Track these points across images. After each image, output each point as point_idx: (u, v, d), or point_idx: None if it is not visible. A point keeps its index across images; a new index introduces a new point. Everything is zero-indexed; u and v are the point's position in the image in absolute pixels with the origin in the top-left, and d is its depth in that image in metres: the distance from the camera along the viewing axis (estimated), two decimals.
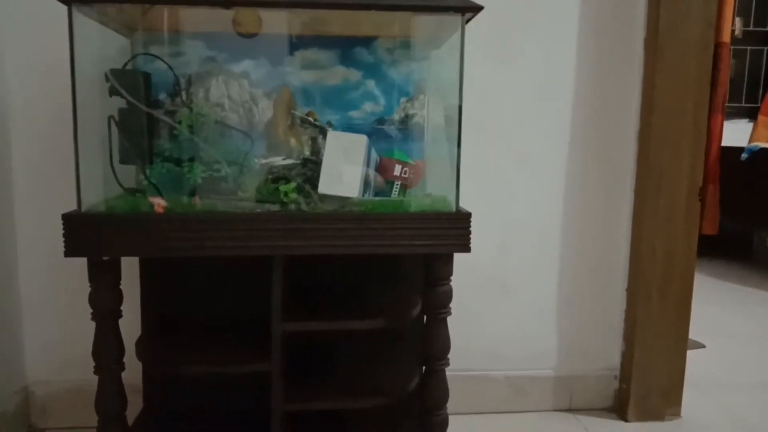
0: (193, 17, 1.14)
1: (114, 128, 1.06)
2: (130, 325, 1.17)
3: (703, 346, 1.93)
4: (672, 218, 1.39)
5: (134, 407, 1.24)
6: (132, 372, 1.21)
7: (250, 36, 1.15)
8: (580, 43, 1.39)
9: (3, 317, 1.27)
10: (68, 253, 0.94)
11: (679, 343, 1.45)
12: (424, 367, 1.09)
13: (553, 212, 1.43)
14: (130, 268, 1.23)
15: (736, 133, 3.67)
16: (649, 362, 1.43)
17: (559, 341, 1.46)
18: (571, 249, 1.44)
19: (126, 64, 1.09)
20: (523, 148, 1.41)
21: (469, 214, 1.00)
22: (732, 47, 2.13)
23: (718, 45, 1.38)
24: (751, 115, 4.00)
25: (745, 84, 4.01)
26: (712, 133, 2.54)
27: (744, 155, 3.10)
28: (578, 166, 1.42)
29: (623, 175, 1.43)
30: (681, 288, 1.42)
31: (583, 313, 1.46)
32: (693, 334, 1.58)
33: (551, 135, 1.41)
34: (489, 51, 1.36)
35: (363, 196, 1.04)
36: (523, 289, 1.44)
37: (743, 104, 3.99)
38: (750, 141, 3.76)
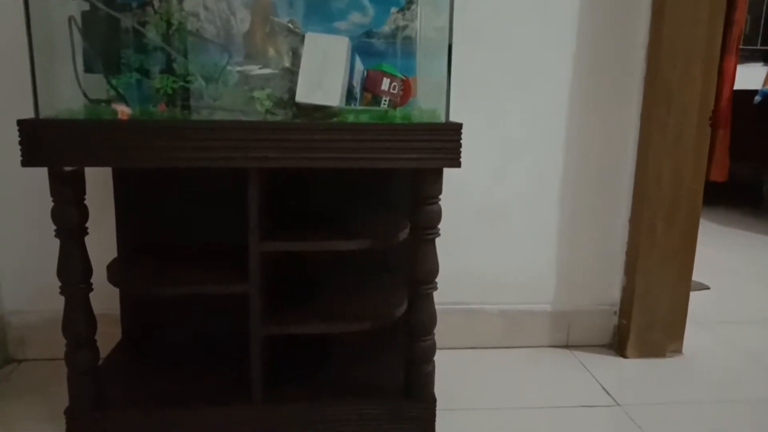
0: None
1: (77, 34, 0.97)
2: (105, 253, 1.12)
3: (708, 288, 1.87)
4: (681, 140, 1.31)
5: (114, 338, 1.21)
6: (111, 301, 1.17)
7: None
8: None
9: None
10: (25, 162, 0.87)
11: (683, 274, 1.38)
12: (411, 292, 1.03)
13: (552, 133, 1.34)
14: (104, 192, 1.17)
15: (749, 78, 3.55)
16: (650, 295, 1.37)
17: (558, 274, 1.40)
18: (572, 174, 1.36)
19: None
20: (521, 62, 1.31)
21: (459, 125, 0.92)
22: None
23: None
24: (767, 58, 3.86)
25: (761, 26, 3.85)
26: (725, 75, 2.43)
27: (757, 98, 2.98)
28: (582, 81, 1.32)
29: (630, 92, 1.34)
30: (688, 215, 1.35)
31: (583, 243, 1.39)
32: (697, 276, 1.52)
33: (552, 46, 1.31)
34: None
35: (346, 106, 0.96)
36: (519, 218, 1.37)
37: (758, 47, 3.84)
38: (764, 84, 3.63)
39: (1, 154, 1.21)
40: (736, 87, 2.54)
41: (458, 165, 0.94)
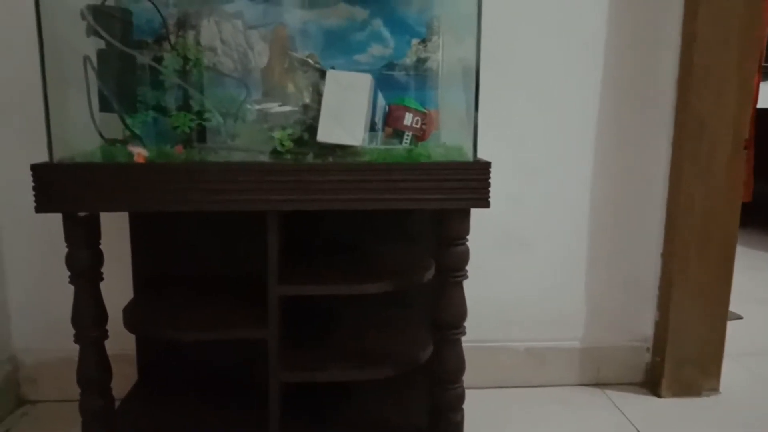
0: None
1: (92, 73, 0.95)
2: (121, 291, 1.08)
3: (740, 317, 1.80)
4: (713, 169, 1.26)
5: (130, 379, 1.17)
6: (126, 342, 1.14)
7: None
8: None
9: None
10: (39, 208, 0.85)
11: (719, 308, 1.33)
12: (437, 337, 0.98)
13: (578, 161, 1.29)
14: (121, 227, 1.14)
15: None
16: (685, 330, 1.31)
17: (587, 309, 1.34)
18: (600, 203, 1.31)
19: (105, 0, 0.97)
20: (546, 88, 1.26)
21: (488, 164, 0.88)
22: None
23: None
24: None
25: None
26: None
27: None
28: (609, 108, 1.28)
29: (660, 120, 1.29)
30: (723, 246, 1.29)
31: (613, 276, 1.34)
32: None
33: (577, 73, 1.27)
34: None
35: (369, 144, 0.92)
36: (545, 248, 1.32)
37: None
38: None
39: (12, 187, 1.20)
40: (759, 105, 2.48)
41: (487, 205, 0.90)
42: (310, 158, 0.90)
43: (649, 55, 1.26)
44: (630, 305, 1.35)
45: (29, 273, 1.24)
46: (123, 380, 1.11)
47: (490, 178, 0.89)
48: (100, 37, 0.94)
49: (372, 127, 0.96)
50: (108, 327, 0.94)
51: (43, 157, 0.87)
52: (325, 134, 0.89)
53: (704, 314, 1.32)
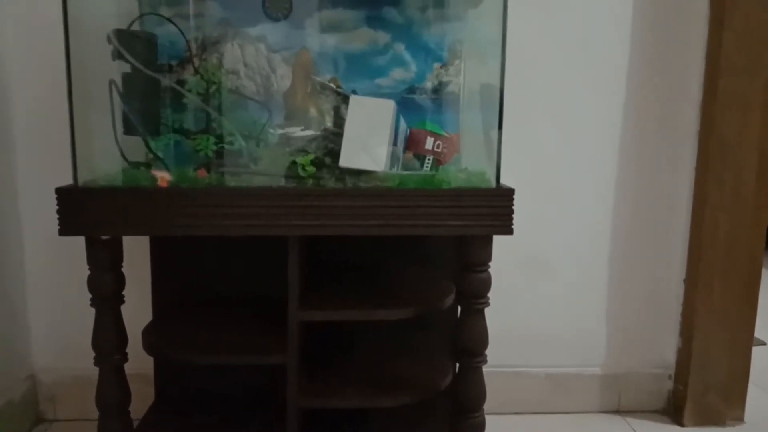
0: None
1: (117, 95, 0.96)
2: (140, 310, 1.08)
3: (764, 343, 1.77)
4: (738, 194, 1.24)
5: (147, 399, 1.17)
6: (144, 361, 1.13)
7: (280, 18, 1.04)
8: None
9: (7, 300, 1.19)
10: (63, 231, 0.85)
11: (743, 334, 1.30)
12: (458, 364, 0.97)
13: (601, 185, 1.28)
14: (141, 247, 1.14)
15: None
16: (708, 357, 1.29)
17: (608, 334, 1.32)
18: (622, 227, 1.30)
19: (131, 24, 0.99)
20: (569, 111, 1.26)
21: (511, 191, 0.88)
22: None
23: None
24: None
25: None
26: None
27: None
28: (632, 132, 1.27)
29: (683, 144, 1.27)
30: (748, 272, 1.27)
31: (635, 302, 1.32)
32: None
33: (602, 97, 1.26)
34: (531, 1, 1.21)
35: (391, 170, 0.92)
36: (566, 272, 1.30)
37: None
38: None
39: (36, 208, 1.21)
40: None
41: (510, 232, 0.89)
42: (332, 183, 0.90)
43: (672, 78, 1.25)
44: (652, 331, 1.33)
45: (51, 292, 1.24)
46: (140, 400, 1.11)
47: (513, 204, 0.88)
48: (126, 60, 0.95)
49: (394, 152, 0.96)
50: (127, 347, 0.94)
51: (66, 180, 0.87)
52: (348, 159, 0.89)
53: (728, 341, 1.29)
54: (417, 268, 1.15)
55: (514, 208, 0.88)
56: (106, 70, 0.95)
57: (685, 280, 1.31)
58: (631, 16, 1.23)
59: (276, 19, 1.05)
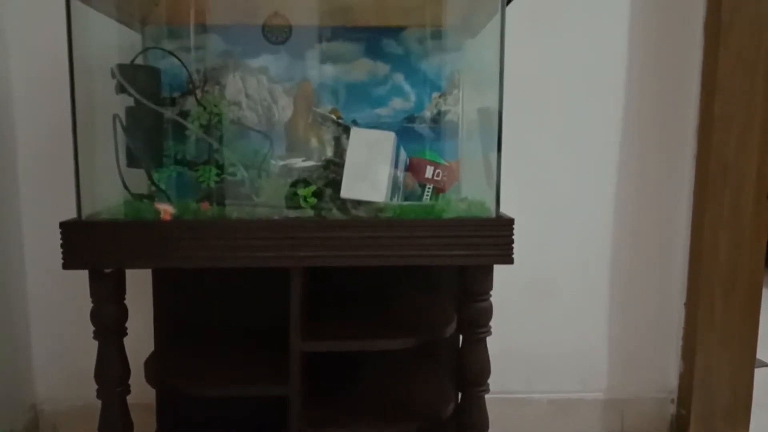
0: (207, 8, 1.05)
1: (120, 130, 0.97)
2: (142, 340, 1.08)
3: (767, 365, 1.76)
4: (738, 217, 1.24)
5: (149, 428, 1.16)
6: (145, 390, 1.13)
7: (280, 41, 1.06)
8: (632, 18, 1.25)
9: (10, 331, 1.19)
10: (67, 264, 0.86)
11: (745, 357, 1.30)
12: (460, 393, 0.97)
13: (601, 207, 1.29)
14: (142, 277, 1.14)
15: None
16: (711, 381, 1.29)
17: (610, 359, 1.32)
18: (622, 250, 1.30)
19: (134, 59, 1.00)
20: (569, 133, 1.27)
21: (511, 221, 0.88)
22: None
23: None
24: None
25: None
26: None
27: None
28: (631, 155, 1.28)
29: (682, 165, 1.29)
30: (748, 295, 1.27)
31: (636, 326, 1.32)
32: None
33: (600, 119, 1.27)
34: (530, 26, 1.23)
35: (391, 200, 0.93)
36: (567, 296, 1.31)
37: None
38: None
39: (39, 240, 1.22)
40: None
41: (511, 261, 0.89)
42: (333, 213, 0.91)
43: (670, 100, 1.27)
44: (654, 355, 1.33)
45: (53, 323, 1.25)
46: (142, 430, 1.10)
47: (513, 234, 0.89)
48: (130, 94, 0.96)
49: (394, 181, 0.97)
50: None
51: (69, 208, 0.88)
52: (349, 190, 0.90)
53: (730, 364, 1.29)
54: (419, 294, 1.15)
55: (514, 237, 0.89)
56: (110, 103, 0.96)
57: (685, 304, 1.31)
58: (628, 40, 1.25)
59: (276, 43, 1.07)
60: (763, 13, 1.19)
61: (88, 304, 0.89)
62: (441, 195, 1.00)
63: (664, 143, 1.28)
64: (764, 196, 1.26)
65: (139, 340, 1.06)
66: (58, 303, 1.23)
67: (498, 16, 0.89)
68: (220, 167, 1.00)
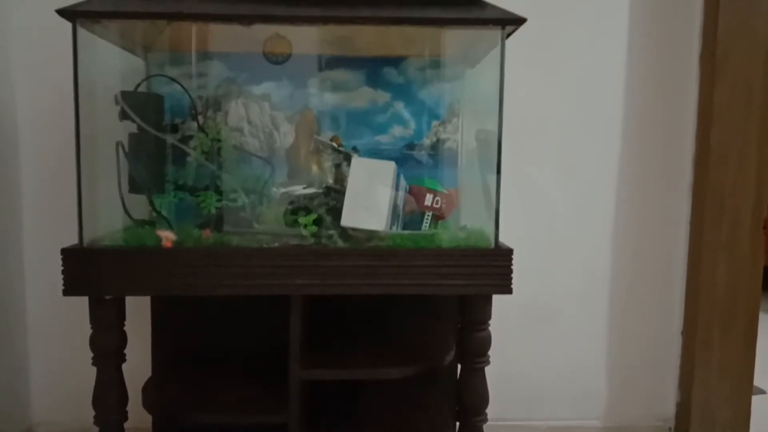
0: (210, 35, 1.07)
1: (123, 156, 0.98)
2: (139, 365, 1.08)
3: (764, 392, 1.76)
4: (735, 248, 1.25)
5: None
6: (142, 416, 1.12)
7: (280, 61, 1.07)
8: (630, 49, 1.27)
9: (8, 352, 1.19)
10: (67, 291, 0.86)
11: (743, 385, 1.30)
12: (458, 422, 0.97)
13: (601, 234, 1.30)
14: (141, 302, 1.14)
15: None
16: (708, 409, 1.28)
17: (608, 387, 1.32)
18: (621, 279, 1.31)
19: (138, 86, 1.01)
20: (568, 164, 1.29)
21: (510, 251, 0.89)
22: None
23: None
24: None
25: None
26: None
27: None
28: (629, 184, 1.29)
29: (680, 194, 1.30)
30: (745, 324, 1.28)
31: (634, 355, 1.32)
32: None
33: (599, 149, 1.29)
34: (530, 57, 1.24)
35: (391, 228, 0.94)
36: (566, 324, 1.31)
37: None
38: None
39: (39, 266, 1.22)
40: None
41: (509, 291, 0.90)
42: (333, 241, 0.92)
43: (667, 131, 1.29)
44: (652, 383, 1.33)
45: (52, 346, 1.24)
46: None
47: (512, 264, 0.89)
48: (133, 121, 0.97)
49: (394, 209, 0.98)
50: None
51: (69, 232, 0.88)
52: (350, 219, 0.91)
53: (728, 392, 1.29)
54: (420, 320, 1.15)
55: (512, 267, 0.90)
56: (113, 129, 0.97)
57: (682, 333, 1.32)
58: (625, 71, 1.27)
59: (276, 63, 1.08)
60: (758, 45, 1.21)
61: (86, 328, 0.89)
62: (440, 222, 1.01)
63: (662, 173, 1.30)
64: (760, 226, 1.27)
65: (137, 364, 1.06)
66: (57, 326, 1.23)
67: (497, 48, 0.90)
68: (222, 193, 1.00)
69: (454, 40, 1.04)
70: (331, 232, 0.93)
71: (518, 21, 0.86)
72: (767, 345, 2.17)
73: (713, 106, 1.24)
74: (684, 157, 1.29)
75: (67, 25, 0.85)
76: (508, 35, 0.90)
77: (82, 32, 0.87)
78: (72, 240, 0.88)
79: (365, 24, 0.90)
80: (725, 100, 1.24)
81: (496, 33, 0.89)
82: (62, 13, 0.83)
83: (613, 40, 1.26)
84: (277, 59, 1.08)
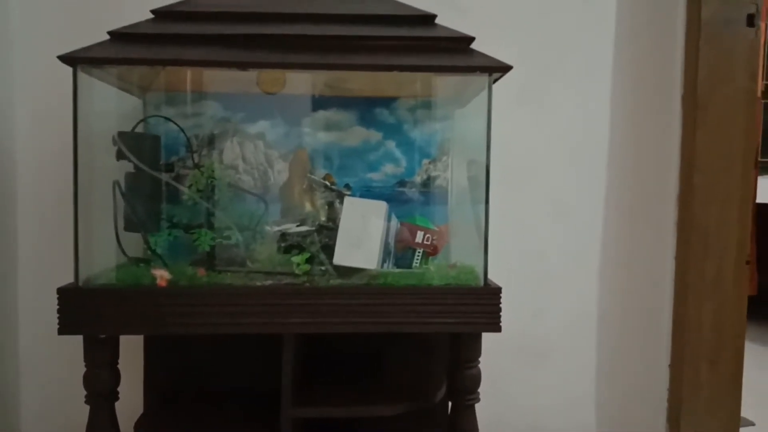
0: (207, 77, 1.10)
1: (119, 194, 1.00)
2: (131, 402, 1.08)
3: (752, 424, 1.77)
4: (720, 285, 1.28)
5: None
6: None
7: (274, 93, 1.10)
8: (614, 96, 1.31)
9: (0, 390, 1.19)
10: (62, 330, 0.87)
11: (730, 420, 1.31)
12: None
13: (588, 272, 1.33)
14: (133, 340, 1.15)
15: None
16: None
17: (598, 423, 1.33)
18: (609, 316, 1.33)
19: (135, 126, 1.04)
20: (556, 204, 1.32)
21: (499, 289, 0.91)
22: None
23: None
24: None
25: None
26: None
27: None
28: (615, 223, 1.32)
29: (665, 234, 1.33)
30: (731, 361, 1.30)
31: (623, 390, 1.33)
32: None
33: (585, 191, 1.32)
34: (518, 101, 1.28)
35: (382, 265, 0.95)
36: (556, 360, 1.32)
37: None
38: None
39: (30, 296, 1.22)
40: (759, 200, 2.54)
41: (498, 329, 0.92)
42: (326, 279, 0.93)
43: (651, 173, 1.32)
44: (642, 418, 1.34)
45: (44, 383, 1.24)
46: None
47: (501, 302, 0.91)
48: (130, 161, 0.99)
49: (385, 247, 1.00)
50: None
51: (64, 269, 0.89)
52: (342, 257, 0.93)
53: (716, 427, 1.30)
54: (412, 357, 1.16)
55: (501, 305, 0.91)
56: (110, 168, 0.99)
57: (670, 366, 1.33)
58: (610, 115, 1.31)
59: (270, 93, 1.11)
60: (739, 89, 1.26)
61: (79, 365, 0.90)
62: (431, 258, 1.03)
63: (648, 212, 1.33)
64: (744, 261, 1.30)
65: (129, 401, 1.06)
66: (49, 364, 1.23)
67: (485, 91, 0.94)
68: (217, 231, 1.02)
69: (444, 83, 1.07)
70: (324, 267, 0.95)
71: (504, 68, 0.90)
72: (755, 376, 2.19)
73: (696, 149, 1.28)
74: (669, 197, 1.32)
75: (66, 68, 0.88)
76: (495, 80, 0.94)
77: (81, 75, 0.90)
78: (65, 274, 0.89)
79: (359, 70, 0.93)
80: (707, 143, 1.28)
81: (483, 78, 0.93)
82: (63, 59, 0.86)
83: (598, 84, 1.31)
84: (271, 90, 1.11)
